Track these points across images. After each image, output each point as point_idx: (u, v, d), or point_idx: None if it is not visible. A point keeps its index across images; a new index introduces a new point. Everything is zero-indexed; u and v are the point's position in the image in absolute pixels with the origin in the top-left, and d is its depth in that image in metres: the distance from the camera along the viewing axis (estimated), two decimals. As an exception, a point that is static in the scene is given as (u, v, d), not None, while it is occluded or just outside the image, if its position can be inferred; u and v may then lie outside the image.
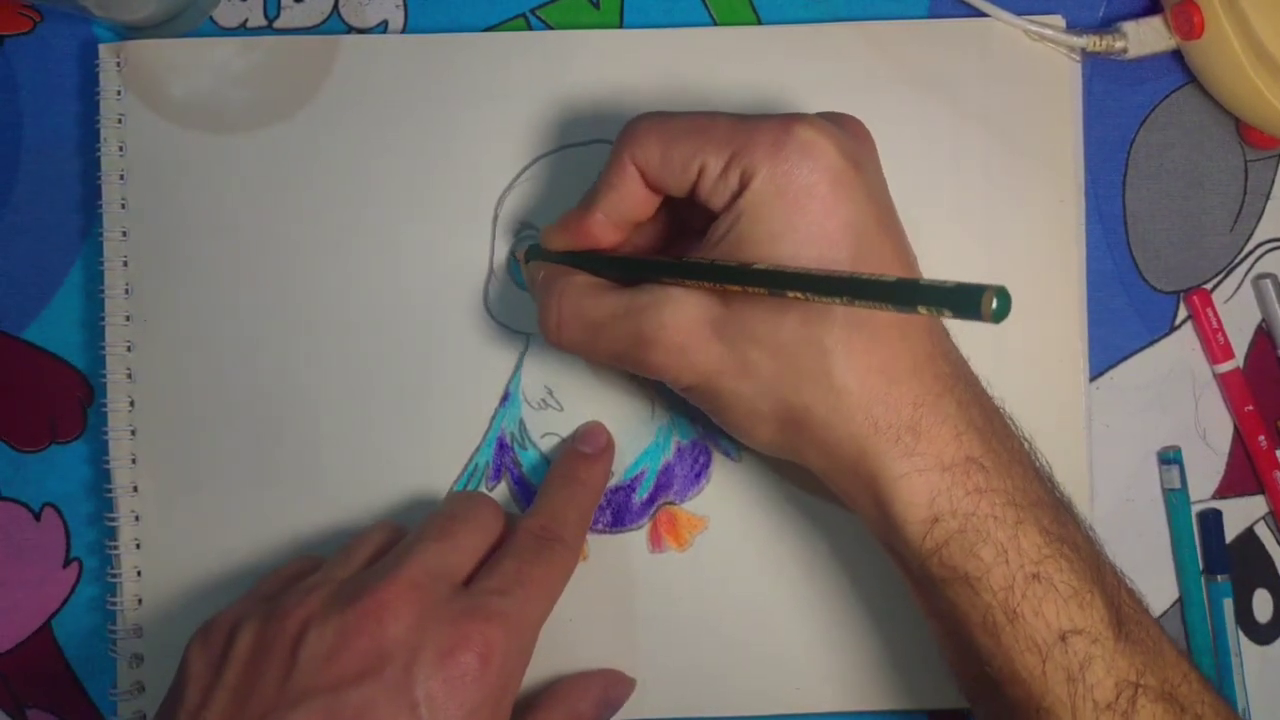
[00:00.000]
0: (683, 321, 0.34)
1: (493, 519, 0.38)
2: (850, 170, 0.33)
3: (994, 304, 0.26)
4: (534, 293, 0.39)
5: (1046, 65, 0.43)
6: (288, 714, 0.32)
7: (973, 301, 0.26)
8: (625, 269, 0.37)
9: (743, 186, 0.33)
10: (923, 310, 0.27)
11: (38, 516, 0.43)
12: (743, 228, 0.33)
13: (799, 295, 0.31)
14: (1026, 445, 0.36)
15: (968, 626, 0.34)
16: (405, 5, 0.43)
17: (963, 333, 0.42)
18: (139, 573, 0.42)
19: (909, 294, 0.28)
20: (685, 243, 0.39)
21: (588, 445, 0.42)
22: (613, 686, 0.41)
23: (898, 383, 0.33)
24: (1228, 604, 0.44)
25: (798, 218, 0.33)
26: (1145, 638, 0.34)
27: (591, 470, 0.41)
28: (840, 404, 0.33)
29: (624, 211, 0.36)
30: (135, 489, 0.42)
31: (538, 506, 0.40)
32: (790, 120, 0.34)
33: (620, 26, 0.44)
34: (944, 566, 0.33)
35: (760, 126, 0.34)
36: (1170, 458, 0.44)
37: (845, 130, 0.35)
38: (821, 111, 0.35)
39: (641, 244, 0.39)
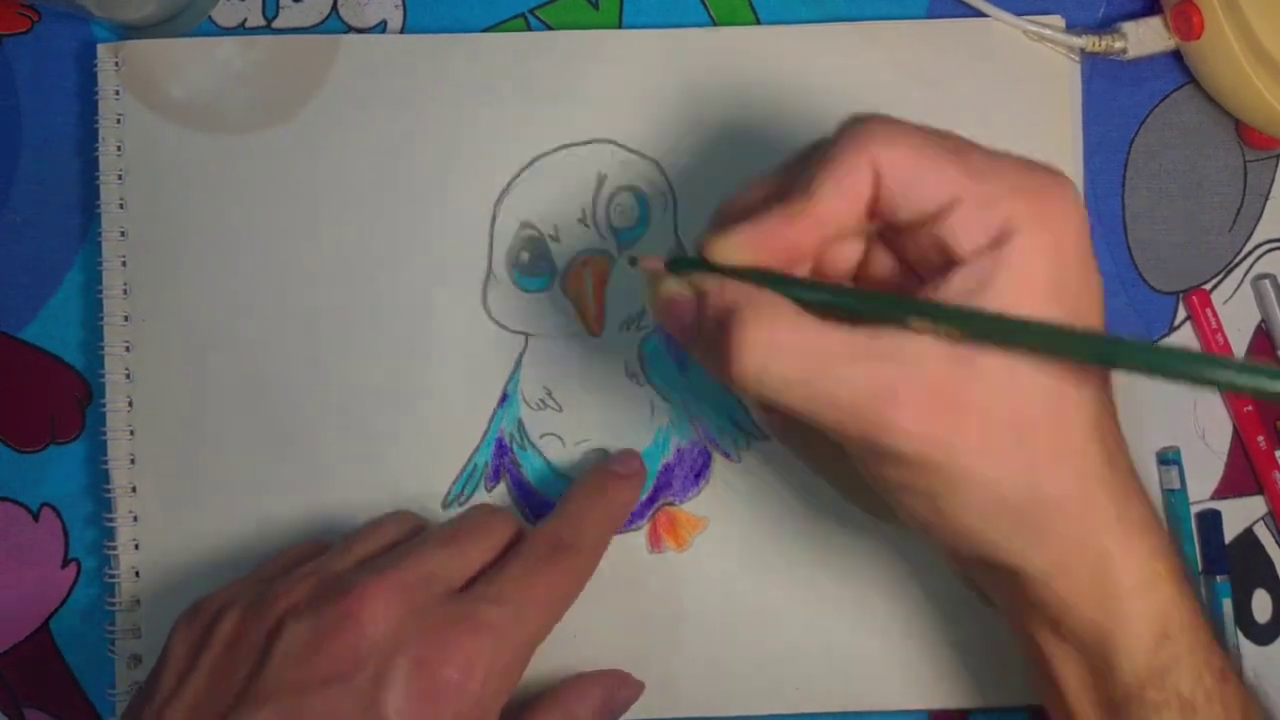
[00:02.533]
0: (935, 377, 0.28)
1: (504, 529, 0.37)
2: (1090, 237, 0.30)
3: None
4: (685, 315, 0.31)
5: (1046, 65, 0.43)
6: (250, 713, 0.31)
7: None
8: (863, 305, 0.29)
9: (1003, 235, 0.28)
10: (1218, 386, 0.26)
11: (36, 517, 0.42)
12: (1005, 281, 0.28)
13: (1128, 367, 0.27)
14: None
15: None
16: (404, 5, 0.43)
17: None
18: (137, 573, 0.41)
19: (1233, 372, 0.26)
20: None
21: (621, 466, 0.40)
22: (618, 689, 0.40)
23: (1134, 474, 0.30)
24: (1227, 604, 0.44)
25: (1065, 280, 0.28)
26: None
27: (620, 488, 0.39)
28: (1095, 491, 0.29)
29: (839, 223, 0.29)
30: (134, 489, 0.42)
31: (555, 513, 0.38)
32: (1048, 171, 0.30)
33: (619, 27, 0.44)
34: (1164, 691, 0.30)
35: (1021, 170, 0.29)
36: (1169, 458, 0.44)
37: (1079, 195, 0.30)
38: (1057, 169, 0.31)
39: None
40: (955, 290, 0.28)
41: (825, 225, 0.29)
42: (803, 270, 0.31)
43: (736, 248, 0.30)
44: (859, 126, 0.29)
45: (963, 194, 0.28)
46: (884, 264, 0.32)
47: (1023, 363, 0.28)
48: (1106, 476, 0.29)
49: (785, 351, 0.28)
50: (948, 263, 0.29)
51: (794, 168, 0.31)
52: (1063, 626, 0.30)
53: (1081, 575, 0.29)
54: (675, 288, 0.31)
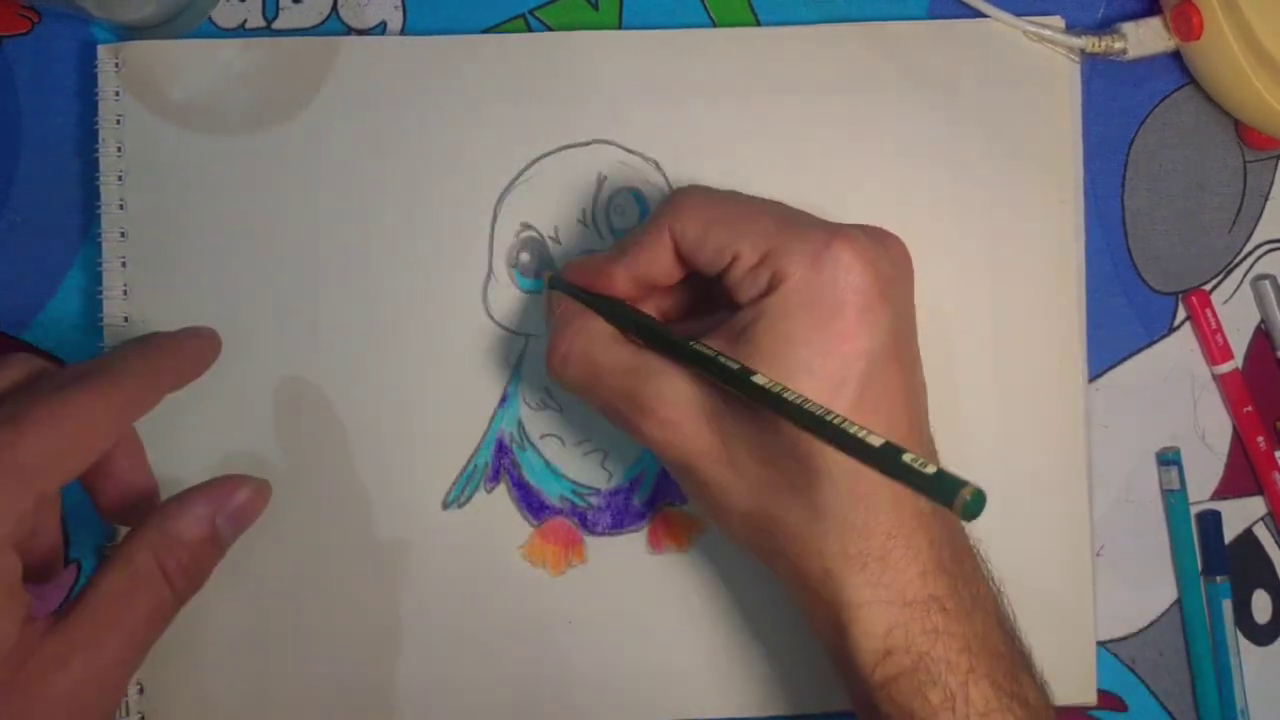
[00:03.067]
0: (679, 400, 0.34)
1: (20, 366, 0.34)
2: (879, 298, 0.33)
3: (967, 501, 0.26)
4: (548, 320, 0.40)
5: (1046, 66, 0.43)
6: None
7: (948, 492, 0.26)
8: (641, 330, 0.37)
9: (770, 287, 0.34)
10: (900, 479, 0.28)
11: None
12: (760, 328, 0.33)
13: (790, 422, 0.31)
14: (995, 592, 0.36)
15: None
16: (404, 6, 0.43)
17: (961, 333, 0.42)
18: (138, 574, 0.41)
19: (890, 464, 0.28)
20: (705, 309, 0.39)
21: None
22: (229, 496, 0.36)
23: (877, 511, 0.33)
24: (1227, 605, 0.44)
25: (817, 333, 0.33)
26: None
27: (172, 338, 0.38)
28: (816, 524, 0.33)
29: (649, 273, 0.37)
30: (134, 490, 0.42)
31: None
32: (833, 234, 0.34)
33: (619, 27, 0.44)
34: (890, 702, 0.33)
35: (801, 233, 0.34)
36: (1169, 459, 0.44)
37: (886, 253, 0.34)
38: (863, 225, 0.35)
39: (663, 302, 0.39)
40: (727, 333, 0.34)
41: (637, 273, 0.37)
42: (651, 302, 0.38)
43: (573, 274, 0.39)
44: (669, 199, 0.37)
45: (739, 254, 0.34)
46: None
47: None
48: (833, 511, 0.33)
49: (577, 357, 0.36)
50: (734, 308, 0.35)
51: (636, 228, 0.38)
52: (814, 629, 0.35)
53: (812, 589, 0.34)
54: (550, 300, 0.41)
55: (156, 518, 0.35)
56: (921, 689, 0.32)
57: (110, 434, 0.34)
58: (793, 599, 0.36)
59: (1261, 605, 0.45)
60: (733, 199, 0.36)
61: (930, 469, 0.27)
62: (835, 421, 0.30)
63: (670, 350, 0.35)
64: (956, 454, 0.38)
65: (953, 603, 0.33)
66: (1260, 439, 0.44)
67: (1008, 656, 0.34)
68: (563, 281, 0.40)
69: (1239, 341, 0.45)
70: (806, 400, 0.31)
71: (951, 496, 0.26)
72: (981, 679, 0.33)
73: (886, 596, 0.33)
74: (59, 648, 0.32)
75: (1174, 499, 0.44)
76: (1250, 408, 0.44)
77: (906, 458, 0.28)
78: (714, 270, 0.35)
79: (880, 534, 0.33)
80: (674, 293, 0.39)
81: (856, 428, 0.29)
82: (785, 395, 0.31)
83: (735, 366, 0.33)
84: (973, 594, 0.34)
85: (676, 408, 0.34)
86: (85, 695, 0.32)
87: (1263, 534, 0.45)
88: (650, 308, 0.38)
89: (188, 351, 0.39)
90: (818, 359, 0.33)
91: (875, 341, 0.33)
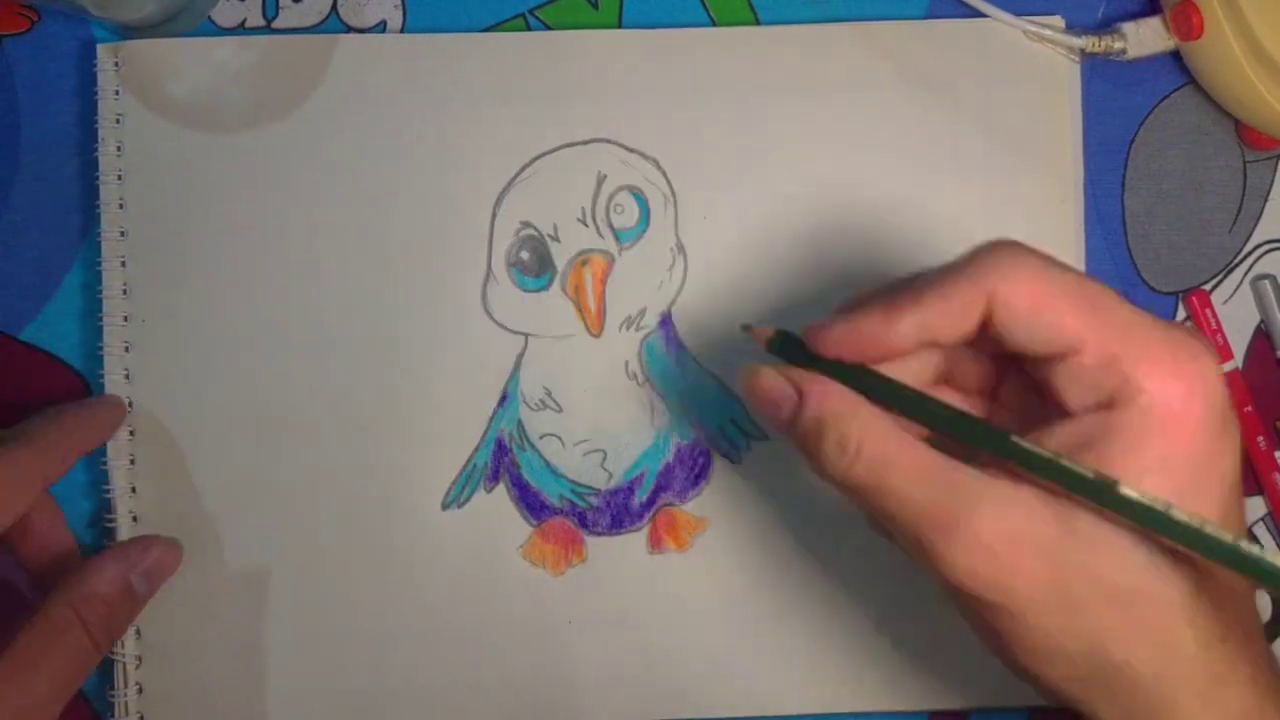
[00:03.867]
0: (1012, 522, 0.28)
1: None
2: (1231, 415, 0.29)
3: None
4: (764, 406, 0.32)
5: (1046, 66, 0.43)
6: None
7: None
8: (949, 424, 0.30)
9: (1118, 399, 0.28)
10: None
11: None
12: (1108, 449, 0.28)
13: (1183, 547, 0.27)
14: None
15: None
16: (404, 5, 0.43)
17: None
18: (137, 573, 0.42)
19: None
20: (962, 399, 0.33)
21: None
22: (140, 555, 0.39)
23: (1238, 658, 0.29)
24: (1227, 605, 0.44)
25: (1180, 459, 0.28)
26: None
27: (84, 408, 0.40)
28: (1172, 669, 0.28)
29: (936, 334, 0.30)
30: (133, 490, 0.42)
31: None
32: (1186, 336, 0.29)
33: (619, 26, 0.44)
34: None
35: (1154, 333, 0.29)
36: None
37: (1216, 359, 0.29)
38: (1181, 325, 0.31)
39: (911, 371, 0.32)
40: (1058, 443, 0.29)
41: (922, 332, 0.30)
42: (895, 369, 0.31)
43: (831, 339, 0.31)
44: (988, 250, 0.30)
45: (1080, 347, 0.28)
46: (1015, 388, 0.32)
47: (1112, 528, 0.28)
48: (1195, 657, 0.28)
49: (871, 459, 0.29)
50: (1057, 408, 0.29)
51: (908, 279, 0.31)
52: None
53: (1129, 717, 0.29)
54: (777, 383, 0.31)
55: (74, 575, 0.38)
56: None
57: (24, 497, 0.37)
58: None
59: (1261, 605, 0.45)
60: (1076, 274, 0.29)
61: None
62: (1234, 541, 0.26)
63: (1006, 452, 0.28)
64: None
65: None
66: (1260, 439, 0.44)
67: None
68: (796, 343, 0.32)
69: (1239, 341, 0.45)
70: (1202, 520, 0.27)
71: None
72: None
73: (1224, 713, 0.29)
74: None
75: (1174, 499, 0.44)
76: (1250, 408, 0.44)
77: None
78: (1034, 353, 0.29)
79: (1244, 684, 0.29)
80: (915, 366, 0.32)
81: (1258, 549, 0.26)
82: (1172, 513, 0.27)
83: (1104, 480, 0.27)
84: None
85: (1000, 534, 0.28)
86: None
87: (1262, 534, 0.45)
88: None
89: (98, 420, 0.41)
90: (1176, 490, 0.28)
91: (1233, 465, 0.29)
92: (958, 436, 0.30)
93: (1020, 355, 0.30)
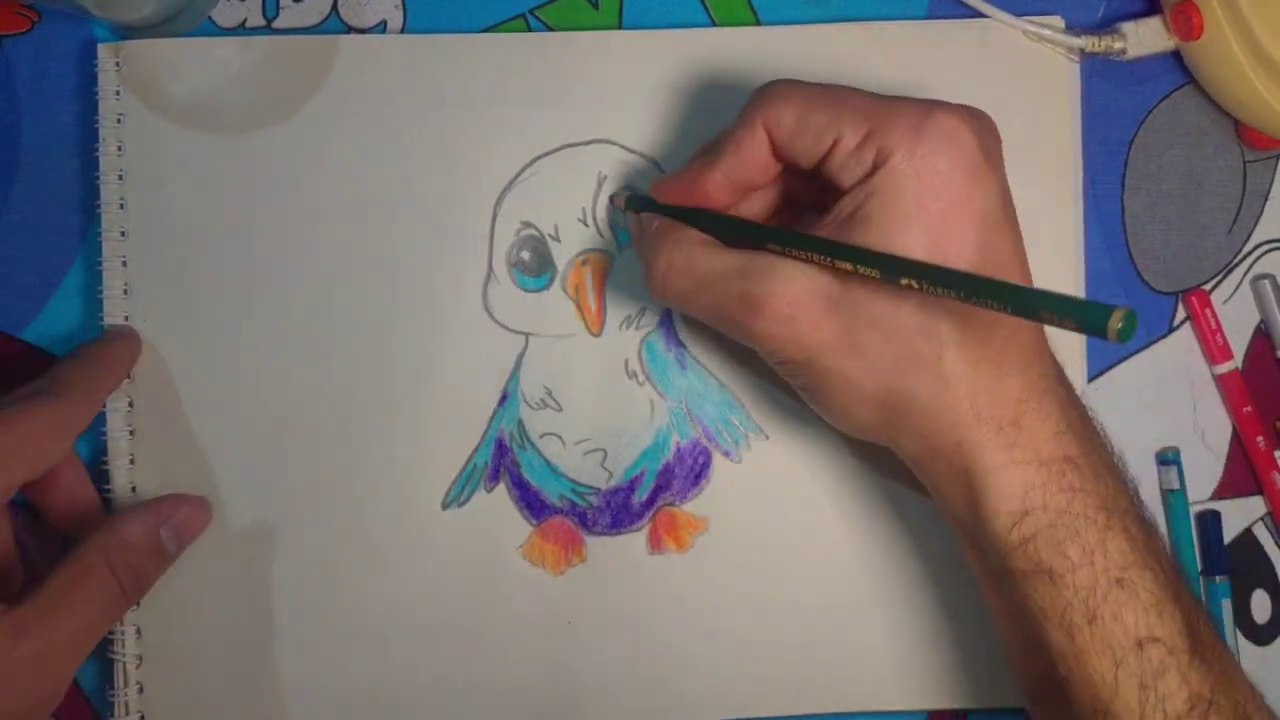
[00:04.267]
0: (795, 292, 0.33)
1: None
2: (985, 162, 0.33)
3: (1120, 324, 0.27)
4: (640, 242, 0.39)
5: (1045, 66, 0.43)
6: None
7: (1100, 318, 0.27)
8: (744, 233, 0.36)
9: (876, 165, 0.33)
10: (1045, 318, 0.28)
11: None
12: (871, 207, 0.33)
13: (913, 284, 0.31)
14: (1116, 457, 0.35)
15: (1042, 624, 0.33)
16: (404, 5, 0.43)
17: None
18: (137, 573, 0.42)
19: (1036, 301, 0.28)
20: (790, 217, 0.39)
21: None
22: (174, 509, 0.40)
23: (1006, 376, 0.33)
24: (1226, 605, 0.44)
25: (931, 202, 0.32)
26: (1219, 660, 0.33)
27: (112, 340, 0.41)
28: (947, 392, 0.33)
29: (744, 174, 0.36)
30: (134, 489, 0.42)
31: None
32: (932, 105, 0.34)
33: (619, 27, 0.44)
34: (1028, 560, 0.33)
35: (900, 107, 0.34)
36: (1169, 458, 0.44)
37: (982, 124, 0.34)
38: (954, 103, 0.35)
39: (748, 213, 0.38)
40: (835, 219, 0.34)
41: (731, 178, 0.36)
42: (743, 208, 0.38)
43: (664, 192, 0.38)
44: (756, 93, 0.36)
45: (840, 136, 0.34)
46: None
47: (884, 283, 0.32)
48: (963, 378, 0.33)
49: (679, 269, 0.36)
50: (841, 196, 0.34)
51: (722, 134, 0.37)
52: (943, 505, 0.35)
53: (944, 460, 0.34)
54: (638, 222, 0.39)
55: (106, 524, 0.39)
56: (1060, 545, 0.33)
57: (62, 446, 0.38)
58: (922, 476, 0.35)
59: (1261, 605, 0.45)
60: (821, 85, 0.35)
61: (1078, 298, 0.28)
62: (978, 276, 0.30)
63: (783, 242, 0.34)
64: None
65: (1085, 463, 0.33)
66: (1260, 439, 0.44)
67: (1136, 516, 0.34)
68: (646, 200, 0.39)
69: (1239, 341, 0.45)
70: (933, 264, 0.31)
71: (1104, 322, 0.27)
72: (1118, 534, 0.33)
73: (1022, 458, 0.33)
74: (19, 622, 0.35)
75: (1173, 499, 0.44)
76: (1250, 408, 0.44)
77: (1054, 292, 0.28)
78: (813, 158, 0.35)
79: (1011, 399, 0.33)
80: (761, 200, 0.38)
81: (997, 279, 0.30)
82: (914, 260, 0.31)
83: (857, 245, 0.32)
84: (1100, 456, 0.34)
85: (791, 300, 0.33)
86: (39, 667, 0.35)
87: (1262, 534, 0.45)
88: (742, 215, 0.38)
89: (117, 357, 0.41)
90: (932, 231, 0.32)
91: (987, 204, 0.33)
92: (752, 238, 0.35)
93: (815, 170, 0.35)
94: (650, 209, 0.39)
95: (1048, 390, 0.34)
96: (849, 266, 0.32)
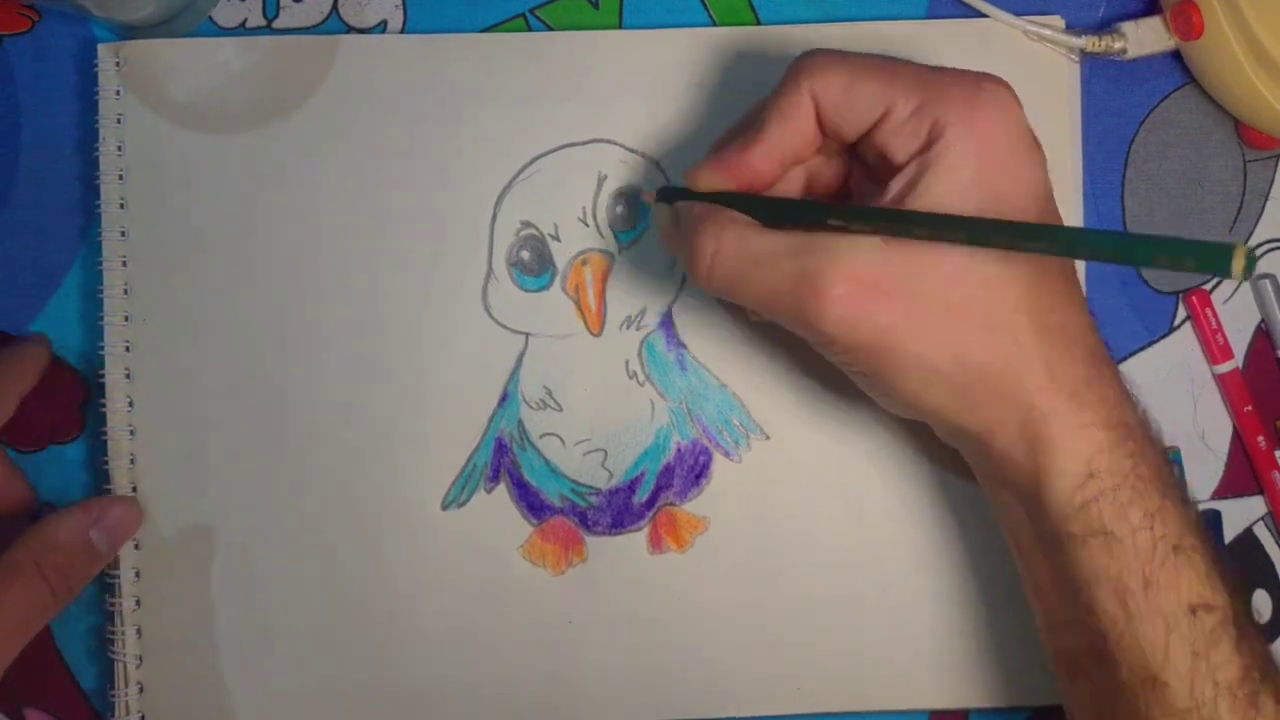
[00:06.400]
0: (862, 268, 0.32)
1: None
2: (1032, 134, 0.33)
3: (1244, 260, 0.27)
4: (672, 236, 0.38)
5: (1045, 66, 0.43)
6: None
7: (1224, 258, 0.27)
8: (798, 212, 0.34)
9: (932, 138, 0.32)
10: (1159, 263, 0.28)
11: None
12: (931, 179, 0.32)
13: (1009, 245, 0.31)
14: (1157, 430, 0.35)
15: (1094, 590, 0.33)
16: (404, 5, 0.43)
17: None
18: (137, 573, 0.41)
19: (1151, 248, 0.28)
20: (828, 198, 0.38)
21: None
22: (103, 511, 0.40)
23: (1073, 343, 0.33)
24: (1227, 604, 0.44)
25: (991, 173, 0.32)
26: (1262, 641, 0.33)
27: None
28: (1022, 358, 0.32)
29: (791, 145, 0.35)
30: (134, 489, 0.42)
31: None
32: (980, 76, 0.33)
33: (619, 27, 0.44)
34: (1087, 524, 0.33)
35: (952, 77, 0.33)
36: (1169, 458, 0.44)
37: (1014, 92, 0.34)
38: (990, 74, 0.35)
39: (790, 189, 0.37)
40: (892, 193, 0.33)
41: (776, 152, 0.35)
42: (777, 191, 0.36)
43: (704, 177, 0.36)
44: (797, 62, 0.34)
45: (892, 106, 0.33)
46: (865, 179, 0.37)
47: (949, 250, 0.32)
48: (1035, 344, 0.32)
49: (726, 254, 0.34)
50: (892, 170, 0.33)
51: (757, 110, 0.36)
52: (1003, 475, 0.34)
53: (1011, 429, 0.33)
54: (675, 212, 0.37)
55: (37, 526, 0.39)
56: (1124, 508, 0.33)
57: None
58: (978, 450, 0.34)
59: (1261, 605, 0.45)
60: (865, 55, 0.34)
61: (1194, 240, 0.28)
62: (1076, 229, 0.30)
63: (843, 218, 0.33)
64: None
65: (1141, 432, 0.34)
66: (1260, 439, 0.44)
67: (1178, 488, 0.34)
68: (678, 190, 0.37)
69: (1239, 341, 0.45)
70: (1037, 224, 0.31)
71: (1227, 260, 0.27)
72: (1175, 502, 0.33)
73: (1091, 419, 0.33)
74: None
75: (1174, 499, 0.44)
76: (1250, 407, 0.44)
77: (1172, 237, 0.29)
78: (859, 129, 0.34)
79: (1081, 363, 0.33)
80: (798, 181, 0.37)
81: (1101, 230, 0.30)
82: (1005, 222, 0.31)
83: (929, 212, 0.32)
84: (1151, 429, 0.35)
85: (861, 276, 0.32)
86: None
87: (1263, 534, 0.45)
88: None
89: (29, 361, 0.41)
90: (995, 202, 0.32)
91: (1042, 175, 0.33)
92: (809, 217, 0.34)
93: (859, 142, 0.34)
94: (682, 198, 0.37)
95: (1106, 359, 0.34)
96: (925, 234, 0.32)
